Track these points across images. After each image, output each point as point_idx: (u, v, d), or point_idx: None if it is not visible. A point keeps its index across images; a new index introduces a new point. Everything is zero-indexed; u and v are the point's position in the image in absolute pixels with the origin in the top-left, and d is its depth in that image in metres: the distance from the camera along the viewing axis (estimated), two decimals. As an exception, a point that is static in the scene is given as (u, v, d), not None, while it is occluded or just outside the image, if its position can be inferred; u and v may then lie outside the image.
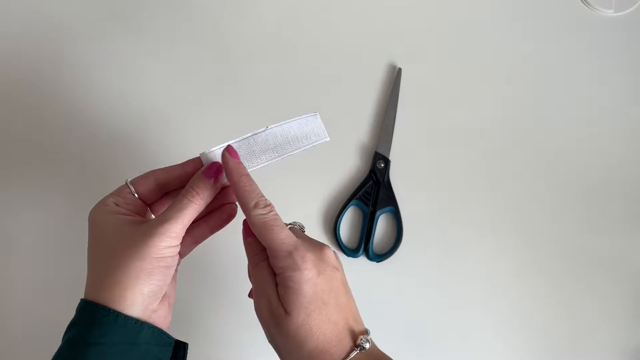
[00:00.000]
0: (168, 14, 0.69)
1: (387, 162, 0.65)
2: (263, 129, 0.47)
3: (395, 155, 0.66)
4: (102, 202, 0.44)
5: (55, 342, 0.42)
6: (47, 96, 0.66)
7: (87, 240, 0.44)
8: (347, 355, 0.40)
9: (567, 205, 0.67)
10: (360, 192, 0.64)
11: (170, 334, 0.43)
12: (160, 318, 0.42)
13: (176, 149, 0.62)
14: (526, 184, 0.67)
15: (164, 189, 0.47)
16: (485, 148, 0.67)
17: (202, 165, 0.45)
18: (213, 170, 0.44)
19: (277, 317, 0.41)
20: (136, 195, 0.45)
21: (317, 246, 0.43)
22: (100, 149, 0.65)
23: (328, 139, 0.48)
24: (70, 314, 0.42)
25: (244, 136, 0.46)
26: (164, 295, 0.43)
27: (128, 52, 0.68)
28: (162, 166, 0.47)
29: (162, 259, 0.40)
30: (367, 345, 0.41)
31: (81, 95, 0.66)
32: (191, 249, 0.48)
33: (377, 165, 0.65)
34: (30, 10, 0.69)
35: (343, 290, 0.43)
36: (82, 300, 0.41)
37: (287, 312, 0.41)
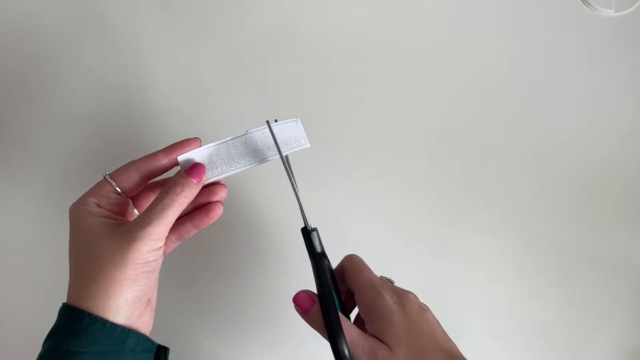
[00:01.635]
0: (165, 11, 0.69)
1: None
2: (243, 132, 0.46)
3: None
4: (83, 202, 0.43)
5: (34, 345, 0.41)
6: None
7: (67, 240, 0.43)
8: None
9: (567, 205, 0.67)
10: None
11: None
12: (144, 323, 0.42)
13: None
14: (526, 184, 0.67)
15: (148, 180, 0.46)
16: (485, 149, 0.67)
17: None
18: (196, 171, 0.43)
19: (381, 356, 0.42)
20: (119, 190, 0.44)
21: (400, 289, 0.47)
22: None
23: (308, 145, 0.48)
24: (50, 315, 0.41)
25: (224, 140, 0.46)
26: (148, 300, 0.42)
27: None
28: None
29: (146, 264, 0.40)
30: None
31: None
32: (175, 246, 0.47)
33: None
34: (27, 9, 0.68)
35: (437, 327, 0.45)
36: (65, 305, 0.40)
37: (390, 346, 0.42)
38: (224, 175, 0.46)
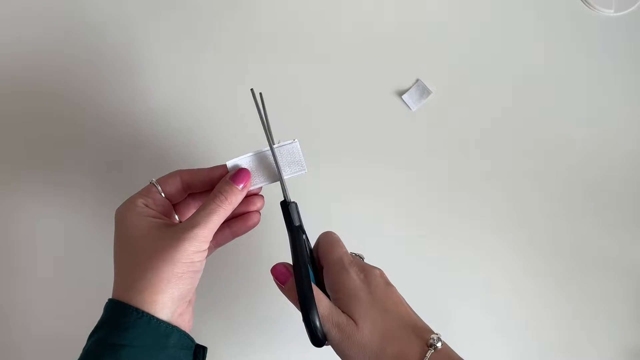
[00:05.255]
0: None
1: None
2: (291, 140, 0.47)
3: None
4: (131, 202, 0.44)
5: (76, 340, 0.43)
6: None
7: (109, 239, 0.45)
8: (423, 356, 0.42)
9: (569, 205, 0.67)
10: None
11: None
12: (184, 322, 0.43)
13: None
14: (528, 183, 0.68)
15: (189, 190, 0.48)
16: (487, 148, 0.68)
17: (228, 171, 0.46)
18: (241, 177, 0.45)
19: (347, 331, 0.43)
20: (164, 195, 0.46)
21: (368, 265, 0.47)
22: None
23: (305, 171, 0.48)
24: (92, 311, 0.43)
25: (272, 146, 0.47)
26: (189, 300, 0.44)
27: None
28: (185, 167, 0.48)
29: (192, 264, 0.41)
30: (439, 344, 0.42)
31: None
32: (211, 252, 0.49)
33: None
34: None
35: (401, 301, 0.46)
36: (111, 300, 0.42)
37: (355, 322, 0.43)
38: (269, 182, 0.47)
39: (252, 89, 0.47)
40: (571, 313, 0.65)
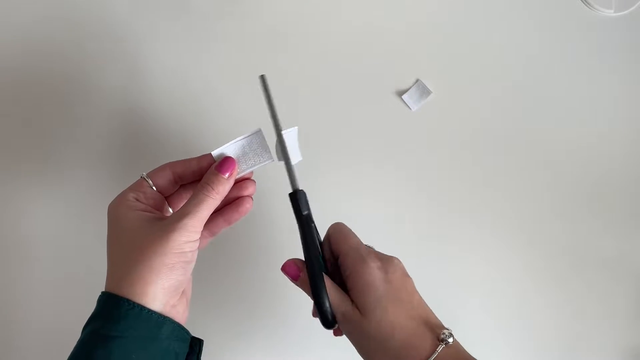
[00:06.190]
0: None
1: None
2: (290, 129, 0.48)
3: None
4: (123, 197, 0.45)
5: (72, 334, 0.43)
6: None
7: (104, 234, 0.45)
8: (434, 350, 0.42)
9: (569, 205, 0.67)
10: None
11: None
12: (178, 314, 0.44)
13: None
14: (527, 184, 0.68)
15: (180, 182, 0.48)
16: (486, 148, 0.68)
17: (215, 161, 0.47)
18: (226, 166, 0.45)
19: (354, 321, 0.44)
20: (155, 188, 0.46)
21: (385, 255, 0.47)
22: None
23: (300, 159, 0.48)
24: (88, 306, 0.43)
25: (252, 132, 0.47)
26: (183, 291, 0.44)
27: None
28: (178, 159, 0.48)
29: (183, 254, 0.42)
30: (451, 340, 0.42)
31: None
32: (207, 242, 0.49)
33: None
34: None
35: (417, 295, 0.46)
36: (103, 293, 0.42)
37: (362, 312, 0.44)
38: (257, 166, 0.47)
39: (261, 76, 0.48)
40: (571, 313, 0.65)
